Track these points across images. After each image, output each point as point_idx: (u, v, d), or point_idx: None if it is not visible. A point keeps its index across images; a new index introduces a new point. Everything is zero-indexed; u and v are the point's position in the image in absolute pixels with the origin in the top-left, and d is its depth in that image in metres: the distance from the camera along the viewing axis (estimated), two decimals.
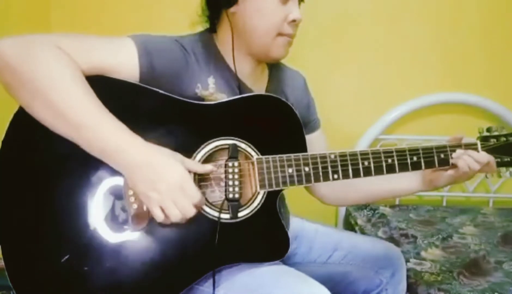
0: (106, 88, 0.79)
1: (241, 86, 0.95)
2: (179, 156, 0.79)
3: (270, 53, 0.93)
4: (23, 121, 0.76)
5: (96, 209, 0.79)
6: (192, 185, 0.77)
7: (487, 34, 1.84)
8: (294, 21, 0.91)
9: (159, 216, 0.76)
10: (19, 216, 0.77)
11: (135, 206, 0.79)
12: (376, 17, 1.82)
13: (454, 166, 0.95)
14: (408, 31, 1.83)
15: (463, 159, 0.93)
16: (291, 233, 0.95)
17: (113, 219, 0.79)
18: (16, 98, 0.75)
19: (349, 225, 1.78)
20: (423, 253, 1.40)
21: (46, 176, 0.78)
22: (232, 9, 0.91)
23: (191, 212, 0.77)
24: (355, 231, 1.66)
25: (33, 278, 0.77)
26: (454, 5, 1.81)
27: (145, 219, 0.80)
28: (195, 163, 0.83)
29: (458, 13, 1.82)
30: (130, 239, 0.79)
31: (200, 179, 0.85)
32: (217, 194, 0.87)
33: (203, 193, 0.84)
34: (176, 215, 0.76)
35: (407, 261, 1.30)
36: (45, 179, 0.78)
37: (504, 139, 0.97)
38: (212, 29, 0.98)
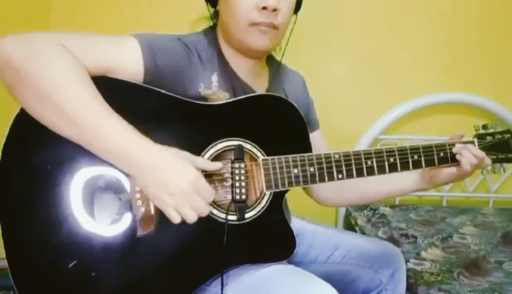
0: (110, 89, 0.77)
1: (242, 85, 0.95)
2: (187, 154, 0.79)
3: (247, 44, 0.89)
4: (25, 123, 0.74)
5: (103, 213, 0.77)
6: (205, 183, 0.77)
7: (487, 34, 1.84)
8: (265, 8, 0.86)
9: (175, 219, 0.76)
10: (23, 219, 0.75)
11: (142, 209, 0.78)
12: (376, 17, 1.82)
13: (454, 163, 0.96)
14: (408, 31, 1.83)
15: (464, 155, 0.94)
16: None
17: (120, 223, 0.78)
18: (17, 98, 0.73)
19: (349, 225, 1.78)
20: (423, 253, 1.40)
21: (50, 179, 0.75)
22: (218, 6, 0.93)
23: (206, 210, 0.77)
24: (355, 231, 1.66)
25: (39, 283, 0.75)
26: (454, 5, 1.81)
27: (152, 223, 0.79)
28: (204, 161, 0.82)
29: (458, 13, 1.82)
30: (137, 243, 0.78)
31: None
32: (221, 194, 0.87)
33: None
34: (192, 216, 0.76)
35: (407, 261, 1.30)
36: (48, 183, 0.75)
37: (499, 136, 0.99)
38: (215, 26, 0.98)
